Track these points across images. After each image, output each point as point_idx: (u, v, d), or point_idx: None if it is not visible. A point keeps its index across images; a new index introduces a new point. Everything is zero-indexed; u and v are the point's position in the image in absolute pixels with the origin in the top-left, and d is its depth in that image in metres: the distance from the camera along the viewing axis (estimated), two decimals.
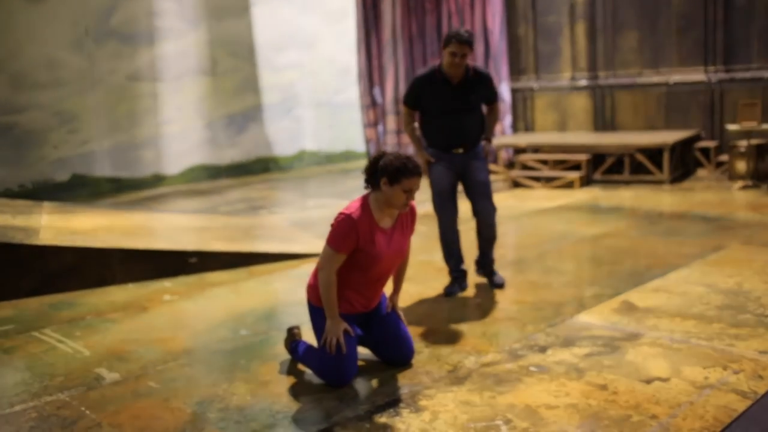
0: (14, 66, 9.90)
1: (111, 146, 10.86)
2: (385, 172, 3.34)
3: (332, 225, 3.41)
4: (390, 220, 3.50)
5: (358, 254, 3.39)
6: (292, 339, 3.76)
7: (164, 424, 3.12)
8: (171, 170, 11.56)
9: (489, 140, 4.86)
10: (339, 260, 3.38)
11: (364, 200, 3.46)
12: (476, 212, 4.77)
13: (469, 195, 4.77)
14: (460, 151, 4.70)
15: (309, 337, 3.79)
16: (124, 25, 10.87)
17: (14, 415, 3.28)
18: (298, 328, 3.82)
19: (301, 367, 3.66)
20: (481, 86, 4.69)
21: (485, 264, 4.93)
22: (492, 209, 4.76)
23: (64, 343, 4.24)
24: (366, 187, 3.50)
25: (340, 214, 3.40)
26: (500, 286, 4.86)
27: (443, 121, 4.69)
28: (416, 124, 4.87)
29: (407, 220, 3.58)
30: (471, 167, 4.72)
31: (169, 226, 7.14)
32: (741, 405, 3.03)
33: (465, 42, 4.46)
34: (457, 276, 4.87)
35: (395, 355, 3.62)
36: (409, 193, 3.37)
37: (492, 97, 4.82)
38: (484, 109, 4.87)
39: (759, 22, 9.68)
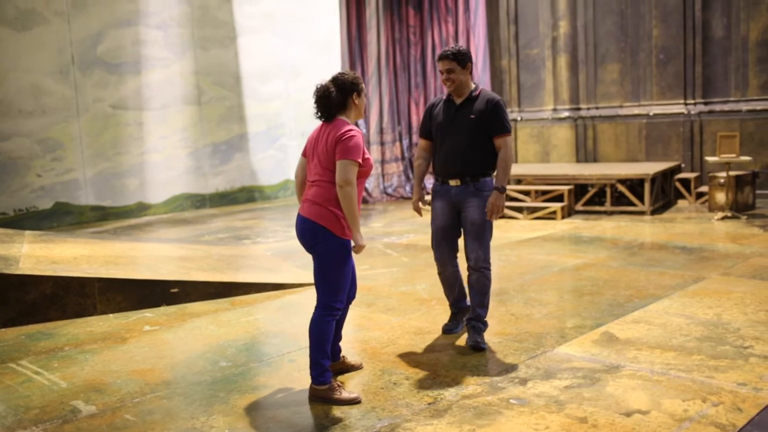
0: None
1: (95, 174, 10.85)
2: (355, 89, 3.75)
3: (346, 141, 3.57)
4: None
5: (360, 168, 3.62)
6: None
7: None
8: (155, 199, 11.54)
9: (498, 189, 4.31)
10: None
11: (346, 122, 3.70)
12: (465, 255, 4.43)
13: (463, 234, 4.45)
14: (457, 182, 4.38)
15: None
16: (110, 54, 10.92)
17: None
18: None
19: (280, 400, 3.63)
20: (484, 108, 4.35)
21: (470, 315, 4.45)
22: (480, 252, 4.34)
23: (40, 374, 4.19)
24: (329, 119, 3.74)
25: (350, 131, 3.60)
26: (474, 346, 4.30)
27: (443, 143, 4.44)
28: (422, 161, 4.62)
29: None
30: (467, 204, 4.37)
31: (150, 255, 7.10)
32: None
33: (445, 57, 4.39)
34: (456, 312, 4.69)
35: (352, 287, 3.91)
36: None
37: (494, 126, 4.35)
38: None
39: (736, 55, 9.88)
